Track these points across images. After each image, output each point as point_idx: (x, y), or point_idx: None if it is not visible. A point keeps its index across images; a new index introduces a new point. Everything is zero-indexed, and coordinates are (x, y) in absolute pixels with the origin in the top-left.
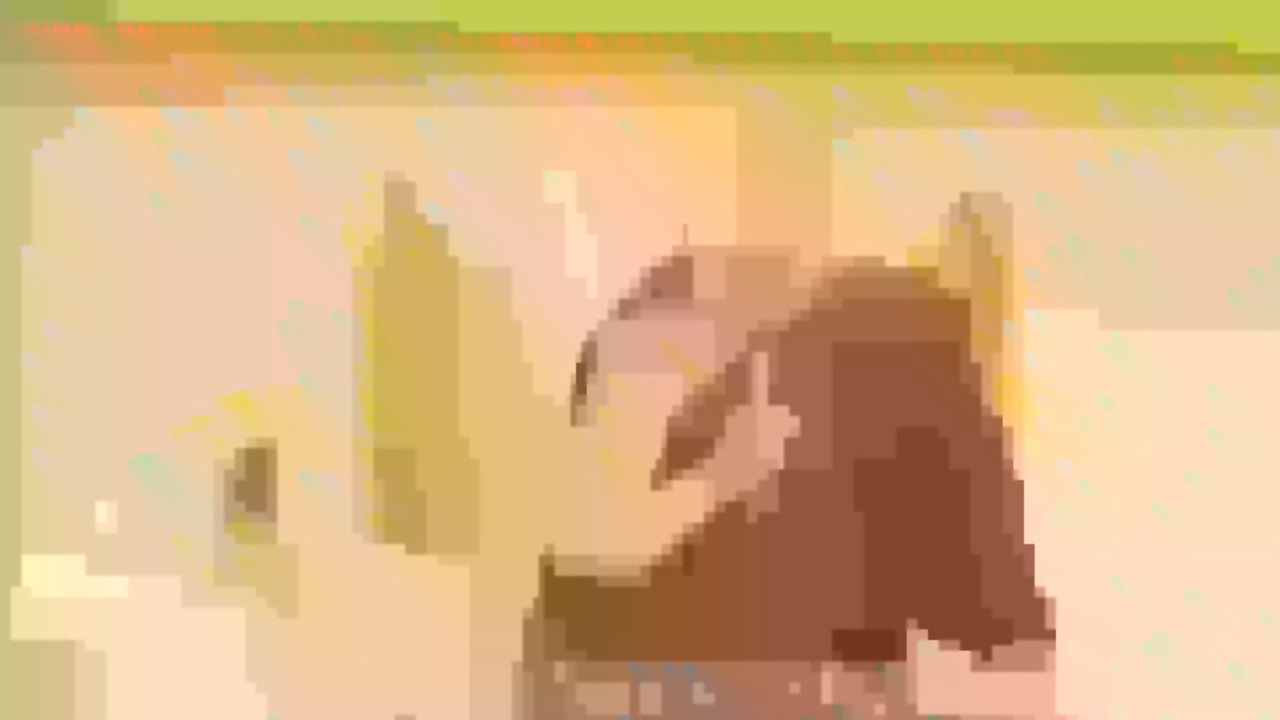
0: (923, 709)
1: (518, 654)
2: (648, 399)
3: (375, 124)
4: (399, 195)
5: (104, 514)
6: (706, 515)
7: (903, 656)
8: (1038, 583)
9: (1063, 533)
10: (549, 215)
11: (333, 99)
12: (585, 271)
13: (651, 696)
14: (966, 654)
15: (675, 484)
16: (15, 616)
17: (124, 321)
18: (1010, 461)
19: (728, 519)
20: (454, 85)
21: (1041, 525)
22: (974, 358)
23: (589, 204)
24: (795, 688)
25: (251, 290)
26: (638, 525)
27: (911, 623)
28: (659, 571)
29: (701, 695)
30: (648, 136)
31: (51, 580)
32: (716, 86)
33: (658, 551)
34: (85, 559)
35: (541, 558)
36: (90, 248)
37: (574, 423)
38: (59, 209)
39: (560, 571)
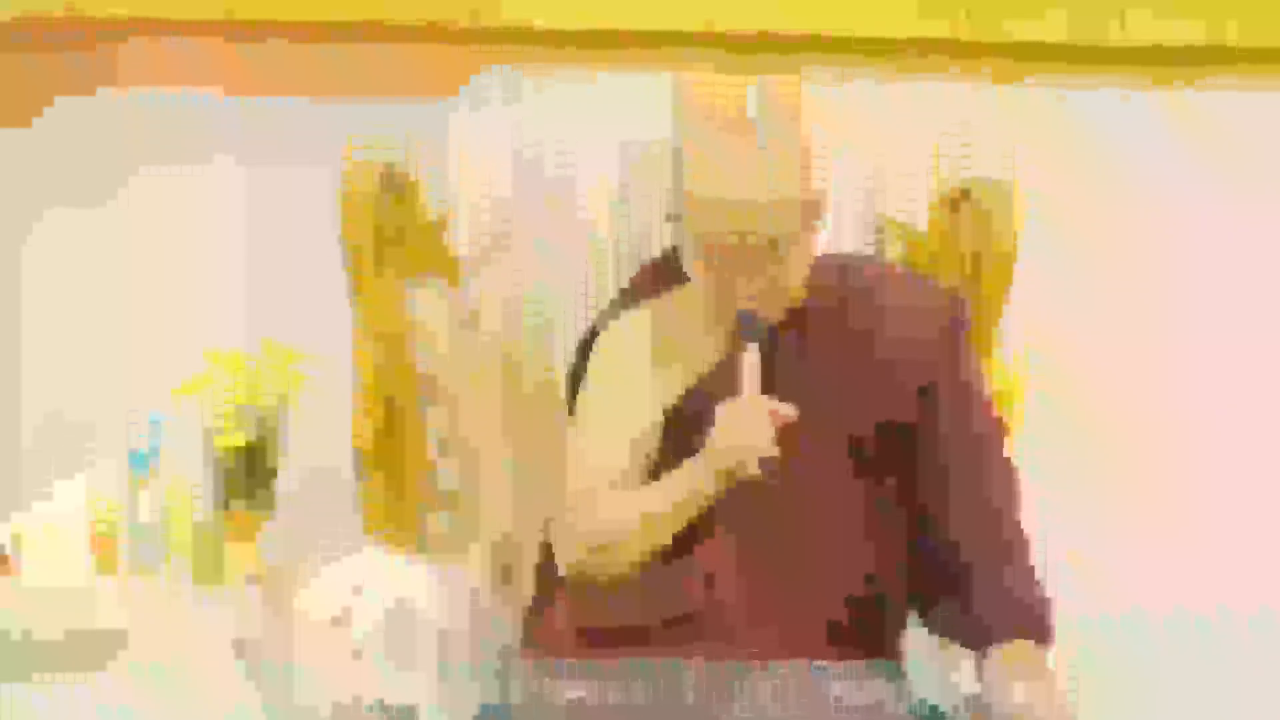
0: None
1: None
2: (636, 394)
3: (377, 118)
4: (398, 190)
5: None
6: (702, 505)
7: (899, 654)
8: (1037, 579)
9: (1062, 531)
10: (550, 213)
11: (335, 90)
12: (588, 267)
13: (638, 690)
14: (965, 651)
15: (667, 477)
16: (14, 612)
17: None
18: (1008, 456)
19: (724, 508)
20: (454, 81)
21: (1040, 522)
22: (971, 350)
23: (592, 202)
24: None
25: (247, 284)
26: (629, 521)
27: (910, 619)
28: (655, 564)
29: (685, 689)
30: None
31: (44, 572)
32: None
33: (653, 546)
34: (79, 556)
35: (541, 557)
36: (84, 213)
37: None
38: (65, 169)
39: (562, 571)
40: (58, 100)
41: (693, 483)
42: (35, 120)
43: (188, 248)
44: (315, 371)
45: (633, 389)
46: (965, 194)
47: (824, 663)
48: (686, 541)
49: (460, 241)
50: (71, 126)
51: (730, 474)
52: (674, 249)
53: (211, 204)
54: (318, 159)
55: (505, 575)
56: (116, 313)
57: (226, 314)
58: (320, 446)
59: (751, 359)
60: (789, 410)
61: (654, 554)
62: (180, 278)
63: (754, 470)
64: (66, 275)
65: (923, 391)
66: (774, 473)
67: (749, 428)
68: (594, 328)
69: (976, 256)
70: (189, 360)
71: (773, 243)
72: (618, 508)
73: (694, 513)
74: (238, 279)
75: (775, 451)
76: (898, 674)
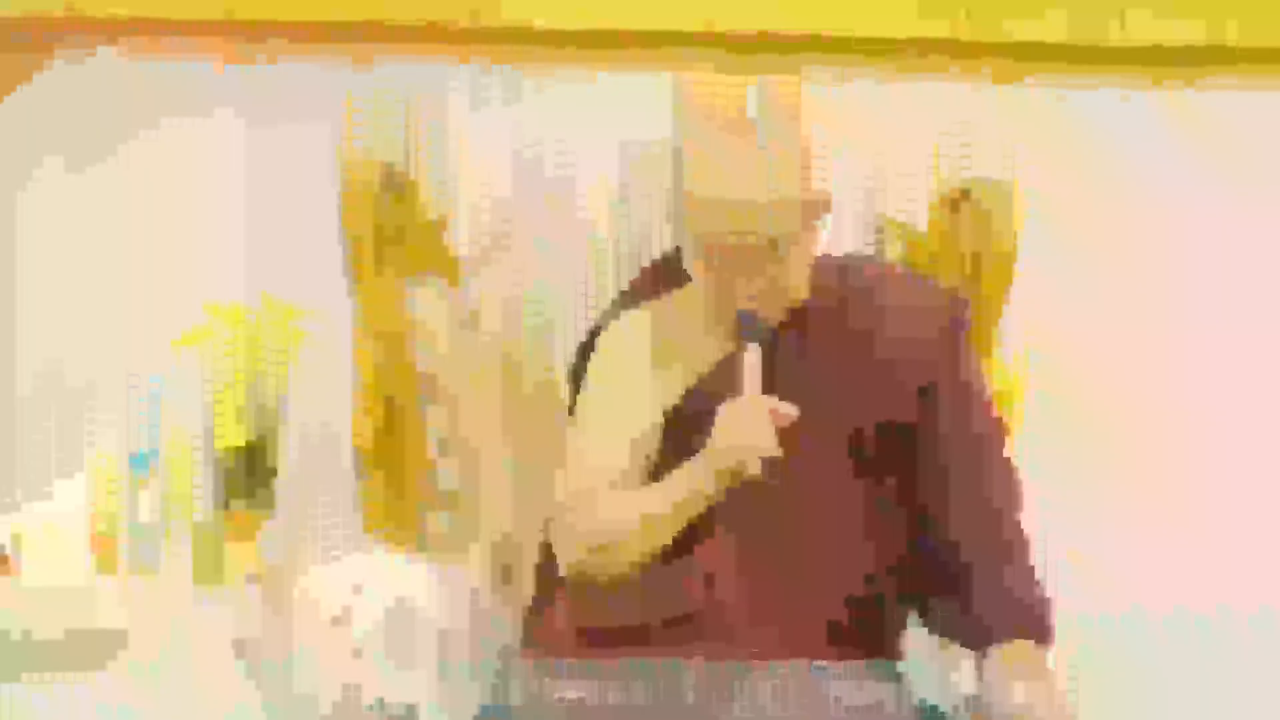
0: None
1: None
2: (636, 394)
3: (379, 116)
4: (398, 189)
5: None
6: (703, 505)
7: (899, 654)
8: (1037, 579)
9: (1062, 531)
10: (550, 213)
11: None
12: (588, 267)
13: (638, 690)
14: (965, 651)
15: (667, 477)
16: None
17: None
18: (1008, 456)
19: (724, 508)
20: (456, 79)
21: (1040, 522)
22: (972, 350)
23: (592, 202)
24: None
25: (247, 238)
26: (629, 521)
27: (910, 618)
28: (655, 564)
29: (685, 689)
30: (646, 133)
31: (44, 572)
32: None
33: (654, 546)
34: (79, 556)
35: (541, 557)
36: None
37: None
38: (64, 124)
39: (562, 571)
40: (58, 54)
41: (693, 483)
42: (35, 75)
43: (188, 201)
44: (315, 326)
45: (633, 389)
46: (965, 194)
47: (824, 663)
48: (686, 541)
49: (460, 241)
50: (71, 82)
51: (731, 474)
52: (675, 249)
53: (212, 158)
54: (318, 113)
55: (505, 575)
56: (116, 267)
57: (227, 268)
58: (320, 434)
59: (752, 359)
60: (790, 410)
61: (654, 554)
62: (181, 232)
63: (755, 470)
64: (66, 230)
65: (923, 391)
66: (774, 473)
67: (750, 427)
68: (595, 328)
69: (976, 256)
70: (189, 314)
71: (773, 243)
72: (618, 508)
73: (694, 513)
74: (238, 233)
75: (777, 451)
76: (897, 674)
